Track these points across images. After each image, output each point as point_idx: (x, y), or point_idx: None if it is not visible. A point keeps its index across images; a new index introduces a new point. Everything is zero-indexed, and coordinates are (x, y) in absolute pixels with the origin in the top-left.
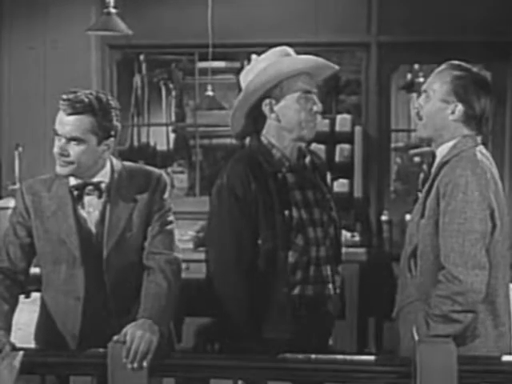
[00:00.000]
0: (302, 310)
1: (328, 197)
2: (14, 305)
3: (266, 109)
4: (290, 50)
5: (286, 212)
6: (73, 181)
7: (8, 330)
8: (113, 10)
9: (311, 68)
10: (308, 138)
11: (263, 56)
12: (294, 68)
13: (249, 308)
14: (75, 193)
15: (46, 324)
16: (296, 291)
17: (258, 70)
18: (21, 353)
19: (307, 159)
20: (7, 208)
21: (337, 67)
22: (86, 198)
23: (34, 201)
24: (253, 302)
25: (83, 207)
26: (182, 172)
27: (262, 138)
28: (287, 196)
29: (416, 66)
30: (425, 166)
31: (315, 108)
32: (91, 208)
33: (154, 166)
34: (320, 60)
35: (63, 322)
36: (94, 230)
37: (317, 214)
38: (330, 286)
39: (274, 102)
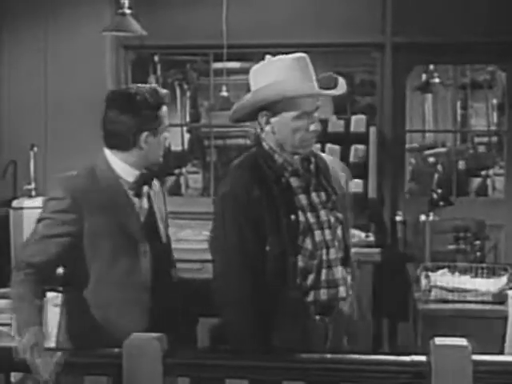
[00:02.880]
0: (317, 316)
1: (333, 198)
2: (43, 301)
3: (261, 120)
4: (304, 60)
5: (292, 216)
6: (135, 172)
7: (41, 324)
8: (127, 11)
9: (315, 95)
10: (304, 154)
11: (276, 61)
12: (298, 93)
13: (258, 317)
14: (135, 185)
15: (95, 323)
16: (310, 298)
17: (264, 82)
18: (58, 354)
19: (311, 162)
20: (21, 208)
21: (341, 92)
22: (144, 188)
23: (83, 198)
24: (262, 311)
25: (140, 197)
26: (196, 172)
27: (264, 144)
28: (292, 200)
29: (431, 67)
30: (439, 167)
31: (312, 127)
32: (144, 198)
33: (168, 166)
34: (324, 92)
35: (129, 315)
36: (143, 219)
37: (324, 216)
38: (342, 288)
39: (270, 114)
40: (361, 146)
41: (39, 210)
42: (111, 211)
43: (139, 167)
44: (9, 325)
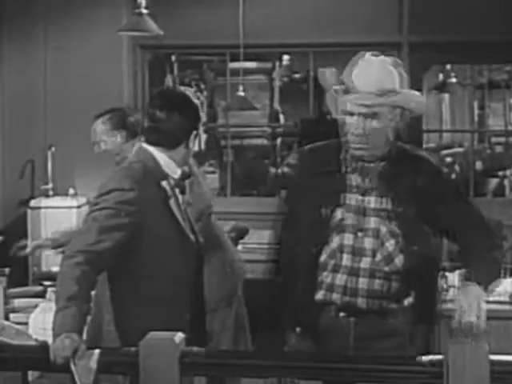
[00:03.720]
0: (320, 316)
1: (399, 210)
2: (90, 304)
3: None
4: (374, 63)
5: (323, 210)
6: (178, 169)
7: (81, 331)
8: (144, 11)
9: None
10: (359, 157)
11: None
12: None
13: (279, 298)
14: (179, 182)
15: (148, 316)
16: (321, 295)
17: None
18: (97, 352)
19: (382, 164)
20: (39, 208)
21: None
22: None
23: (144, 191)
24: (284, 295)
25: (184, 194)
26: (213, 172)
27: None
28: (338, 197)
29: (448, 66)
30: (456, 167)
31: (356, 131)
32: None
33: None
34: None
35: (176, 307)
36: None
37: (372, 224)
38: (363, 300)
39: None
40: None
41: (56, 210)
42: (165, 206)
43: (180, 165)
44: (25, 324)
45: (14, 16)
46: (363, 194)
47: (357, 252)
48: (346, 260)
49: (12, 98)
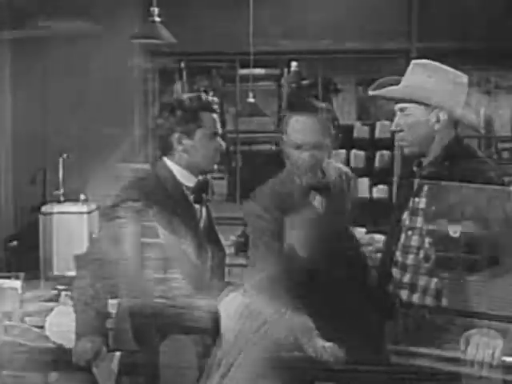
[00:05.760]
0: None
1: (431, 209)
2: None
3: None
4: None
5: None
6: (193, 177)
7: (102, 333)
8: (157, 19)
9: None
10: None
11: None
12: None
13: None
14: (194, 190)
15: (161, 326)
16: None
17: None
18: (117, 354)
19: (430, 167)
20: (51, 213)
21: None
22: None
23: (154, 201)
24: None
25: (200, 203)
26: (221, 178)
27: None
28: (407, 200)
29: None
30: None
31: (393, 128)
32: (204, 204)
33: None
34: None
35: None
36: (202, 224)
37: (418, 223)
38: (405, 292)
39: None
40: (386, 152)
41: (67, 215)
42: (177, 215)
43: (194, 173)
44: (41, 327)
45: (23, 22)
46: (416, 196)
47: (405, 249)
48: (398, 256)
49: (24, 105)
